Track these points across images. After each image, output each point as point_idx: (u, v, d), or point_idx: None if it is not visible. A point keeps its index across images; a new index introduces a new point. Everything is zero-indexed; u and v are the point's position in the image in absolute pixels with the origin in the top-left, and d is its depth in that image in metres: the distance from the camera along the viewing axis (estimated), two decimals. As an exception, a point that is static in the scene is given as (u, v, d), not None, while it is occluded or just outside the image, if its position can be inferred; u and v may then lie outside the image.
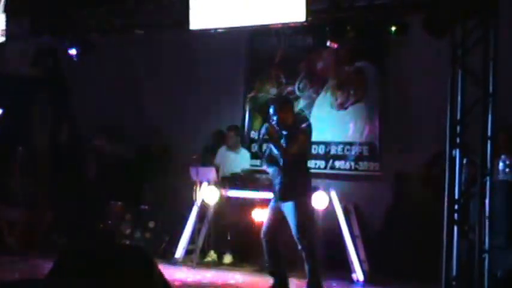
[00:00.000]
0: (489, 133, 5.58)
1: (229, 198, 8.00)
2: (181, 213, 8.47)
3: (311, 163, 8.62)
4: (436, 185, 6.20)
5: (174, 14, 7.07)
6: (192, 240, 8.18)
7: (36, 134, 9.95)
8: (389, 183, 8.34)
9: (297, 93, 9.03)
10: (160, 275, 3.81)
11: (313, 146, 8.74)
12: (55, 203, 9.17)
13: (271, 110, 6.38)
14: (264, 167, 6.75)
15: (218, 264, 8.25)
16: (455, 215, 5.72)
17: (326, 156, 8.74)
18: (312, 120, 8.79)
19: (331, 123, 8.77)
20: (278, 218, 6.36)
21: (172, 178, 9.09)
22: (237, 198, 7.95)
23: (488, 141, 5.58)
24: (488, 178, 5.59)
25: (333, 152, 8.73)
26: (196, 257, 8.06)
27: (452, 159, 5.73)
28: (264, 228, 6.45)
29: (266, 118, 7.12)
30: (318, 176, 8.44)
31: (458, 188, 5.72)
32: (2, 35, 7.90)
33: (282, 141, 6.25)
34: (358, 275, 7.44)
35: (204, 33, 7.19)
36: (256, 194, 7.71)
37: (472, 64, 5.75)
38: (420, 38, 6.75)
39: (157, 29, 8.93)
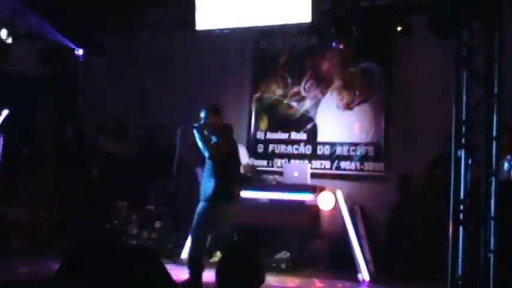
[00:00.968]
0: (494, 133, 5.59)
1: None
2: (187, 213, 8.46)
3: (316, 163, 8.66)
4: (438, 185, 6.20)
5: (181, 14, 7.11)
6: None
7: (42, 134, 9.99)
8: (394, 184, 8.34)
9: (303, 93, 9.05)
10: (168, 276, 3.82)
11: (319, 147, 8.76)
12: (60, 203, 9.19)
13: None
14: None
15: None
16: (461, 215, 5.73)
17: (331, 157, 8.75)
18: (318, 120, 8.84)
19: (337, 123, 8.79)
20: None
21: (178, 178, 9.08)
22: (243, 199, 7.96)
23: (494, 142, 5.59)
24: (493, 178, 5.60)
25: (338, 152, 8.72)
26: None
27: (458, 160, 5.74)
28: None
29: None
30: (324, 176, 8.49)
31: (463, 188, 5.73)
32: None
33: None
34: (364, 275, 7.44)
35: (211, 34, 7.23)
36: (262, 195, 7.71)
37: (476, 64, 5.76)
38: (425, 39, 6.76)
39: (164, 29, 8.99)
